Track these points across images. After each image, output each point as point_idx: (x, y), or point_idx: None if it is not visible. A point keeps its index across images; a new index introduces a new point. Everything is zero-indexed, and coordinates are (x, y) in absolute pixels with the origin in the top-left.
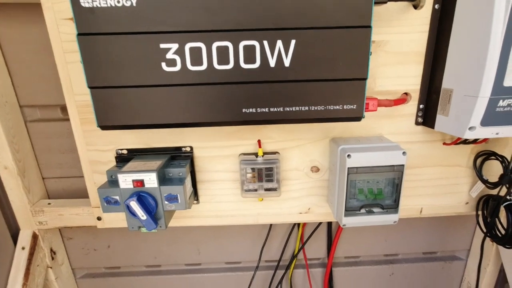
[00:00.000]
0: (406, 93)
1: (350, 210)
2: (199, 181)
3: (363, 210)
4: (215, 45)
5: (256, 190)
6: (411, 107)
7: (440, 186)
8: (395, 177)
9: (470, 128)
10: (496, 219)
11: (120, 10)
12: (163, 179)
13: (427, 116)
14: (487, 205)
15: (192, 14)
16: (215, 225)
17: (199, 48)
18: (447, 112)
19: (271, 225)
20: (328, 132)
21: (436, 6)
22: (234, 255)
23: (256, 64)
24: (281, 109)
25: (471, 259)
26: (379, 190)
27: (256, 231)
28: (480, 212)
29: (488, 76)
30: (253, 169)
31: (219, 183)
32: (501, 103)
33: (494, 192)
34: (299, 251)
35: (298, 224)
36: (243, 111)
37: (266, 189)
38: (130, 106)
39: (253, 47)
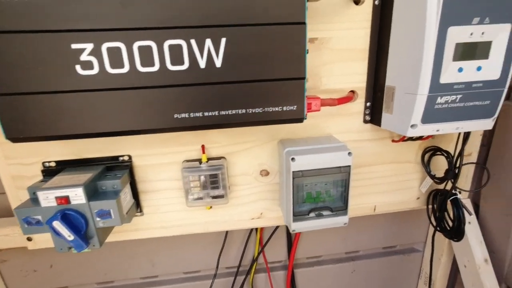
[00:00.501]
0: (352, 91)
1: (298, 215)
2: (141, 191)
3: (312, 214)
4: (136, 45)
5: (202, 198)
6: (359, 105)
7: (391, 183)
8: (342, 178)
9: (412, 126)
10: (445, 213)
11: (23, 5)
12: (94, 194)
13: (374, 114)
14: (436, 200)
15: (108, 10)
16: (162, 237)
17: (118, 49)
18: (391, 110)
19: (227, 231)
20: (276, 133)
21: (376, 2)
22: (192, 264)
23: (185, 66)
24: (216, 113)
25: (427, 251)
26: (327, 192)
27: (213, 238)
28: (430, 207)
29: (425, 73)
30: (197, 177)
31: (163, 193)
32: (439, 100)
33: (442, 186)
34: (258, 255)
35: (256, 228)
36: (175, 116)
37: (213, 197)
38: (44, 115)
39: (180, 46)
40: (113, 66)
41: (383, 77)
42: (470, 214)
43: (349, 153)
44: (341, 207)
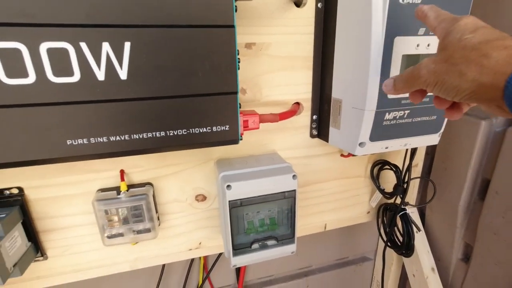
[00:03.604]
0: (297, 103)
1: (239, 248)
2: (41, 231)
3: (255, 245)
4: None
5: (122, 234)
6: (305, 118)
7: (342, 199)
8: (287, 204)
9: (360, 144)
10: (395, 227)
11: None
12: None
13: (321, 128)
14: (386, 215)
15: None
16: (74, 282)
17: None
18: (338, 124)
19: None
20: (212, 152)
21: (319, 5)
22: None
23: (75, 77)
24: (126, 137)
25: (378, 259)
26: (271, 220)
27: (148, 271)
28: (380, 220)
29: (372, 87)
30: (114, 210)
31: (73, 230)
32: (387, 116)
33: (391, 200)
34: (203, 282)
35: None
36: (68, 143)
37: (137, 232)
38: None
39: (64, 51)
40: None
41: (329, 88)
42: (418, 230)
43: (294, 176)
44: (288, 235)
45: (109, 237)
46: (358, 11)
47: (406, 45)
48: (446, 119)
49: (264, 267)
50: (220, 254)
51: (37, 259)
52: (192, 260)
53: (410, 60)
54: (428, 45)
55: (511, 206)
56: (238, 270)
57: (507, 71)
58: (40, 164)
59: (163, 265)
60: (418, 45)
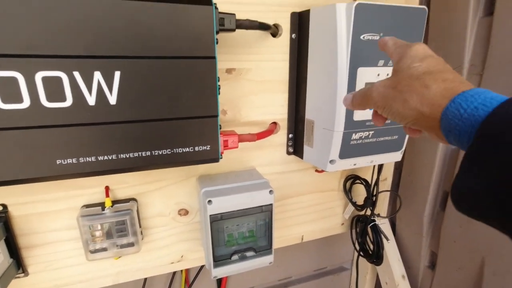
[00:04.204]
0: (275, 123)
1: (220, 260)
2: (24, 247)
3: (235, 257)
4: None
5: (106, 249)
6: (281, 137)
7: (317, 212)
8: (265, 217)
9: (330, 161)
10: (367, 237)
11: None
12: None
13: (296, 146)
14: (358, 226)
15: None
16: None
17: None
18: (311, 143)
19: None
20: (194, 169)
21: (293, 36)
22: None
23: (67, 102)
24: (114, 156)
25: (355, 269)
26: (250, 232)
27: (130, 285)
28: (354, 231)
29: (339, 111)
30: (98, 225)
31: (56, 246)
32: (354, 136)
33: (363, 212)
34: None
35: None
36: (58, 162)
37: (121, 246)
38: None
39: (59, 79)
40: None
41: (303, 110)
42: (387, 240)
43: (271, 191)
44: (265, 246)
45: (92, 252)
46: (326, 45)
47: (368, 74)
48: (407, 138)
49: (245, 279)
50: (201, 268)
51: (18, 275)
52: (174, 274)
53: None
54: (388, 74)
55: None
56: (219, 283)
57: (442, 104)
58: (30, 182)
59: (145, 280)
60: (378, 74)
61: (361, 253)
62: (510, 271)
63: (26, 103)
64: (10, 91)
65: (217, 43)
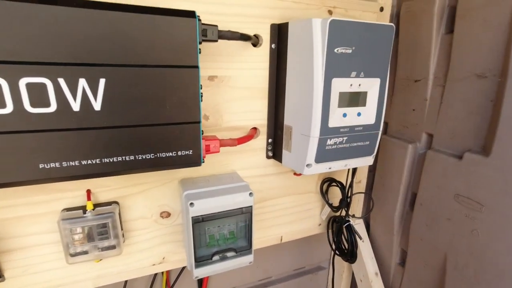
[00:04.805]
0: (255, 128)
1: (201, 260)
2: (1, 251)
3: (216, 257)
4: None
5: (87, 252)
6: (261, 141)
7: (295, 213)
8: (245, 219)
9: (307, 165)
10: (342, 237)
11: None
12: None
13: (275, 150)
14: (334, 226)
15: None
16: None
17: None
18: (290, 148)
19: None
20: (176, 173)
21: (273, 46)
22: None
23: (51, 108)
24: (97, 161)
25: (331, 267)
26: (231, 233)
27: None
28: (330, 231)
29: (315, 118)
30: (80, 228)
31: (34, 250)
32: (329, 141)
33: (339, 213)
34: None
35: None
36: (41, 166)
37: (102, 249)
38: None
39: (43, 85)
40: None
41: (282, 116)
42: (361, 239)
43: (250, 194)
44: (245, 246)
45: (73, 255)
46: (303, 56)
47: (341, 84)
48: (377, 144)
49: (225, 280)
50: (182, 269)
51: None
52: (155, 276)
53: (345, 96)
54: (359, 85)
55: (431, 215)
56: (200, 284)
57: None
58: (12, 186)
59: (125, 283)
60: (351, 85)
61: (337, 252)
62: (468, 264)
63: (9, 108)
64: None
65: (200, 52)
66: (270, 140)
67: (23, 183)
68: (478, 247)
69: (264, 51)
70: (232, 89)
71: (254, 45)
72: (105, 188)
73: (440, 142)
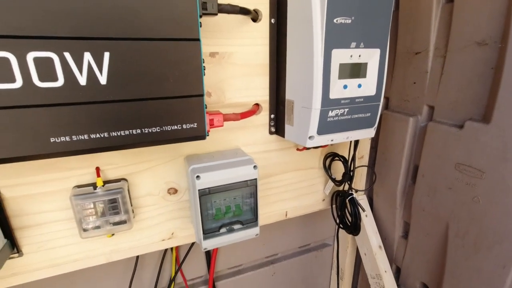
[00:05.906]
0: (257, 104)
1: (209, 232)
2: (17, 228)
3: (223, 229)
4: None
5: (99, 227)
6: (263, 117)
7: (299, 189)
8: (250, 192)
9: (310, 137)
10: (346, 210)
11: None
12: None
13: (278, 125)
14: (337, 200)
15: None
16: (52, 276)
17: None
18: (292, 122)
19: (137, 256)
20: (181, 149)
21: (272, 21)
22: None
23: (59, 82)
24: (105, 134)
25: (336, 242)
26: (237, 206)
27: (122, 265)
28: (334, 206)
29: (316, 90)
30: (91, 204)
31: (49, 226)
32: (330, 113)
33: (341, 188)
34: (175, 274)
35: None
36: (52, 140)
37: (114, 223)
38: None
39: (50, 60)
40: None
41: (283, 91)
42: (363, 210)
43: (255, 167)
44: (251, 219)
45: (85, 230)
46: (303, 28)
47: (341, 55)
48: (378, 116)
49: (233, 257)
50: (191, 247)
51: (12, 256)
52: (165, 253)
53: (346, 67)
54: (359, 55)
55: (433, 186)
56: (209, 261)
57: None
58: (25, 160)
59: (137, 258)
60: (351, 56)
61: (340, 225)
62: (469, 231)
63: (18, 82)
64: (2, 71)
65: (200, 26)
66: (272, 116)
67: (37, 157)
68: (478, 214)
69: (264, 27)
70: (233, 66)
71: (254, 20)
72: (113, 165)
73: (441, 114)
